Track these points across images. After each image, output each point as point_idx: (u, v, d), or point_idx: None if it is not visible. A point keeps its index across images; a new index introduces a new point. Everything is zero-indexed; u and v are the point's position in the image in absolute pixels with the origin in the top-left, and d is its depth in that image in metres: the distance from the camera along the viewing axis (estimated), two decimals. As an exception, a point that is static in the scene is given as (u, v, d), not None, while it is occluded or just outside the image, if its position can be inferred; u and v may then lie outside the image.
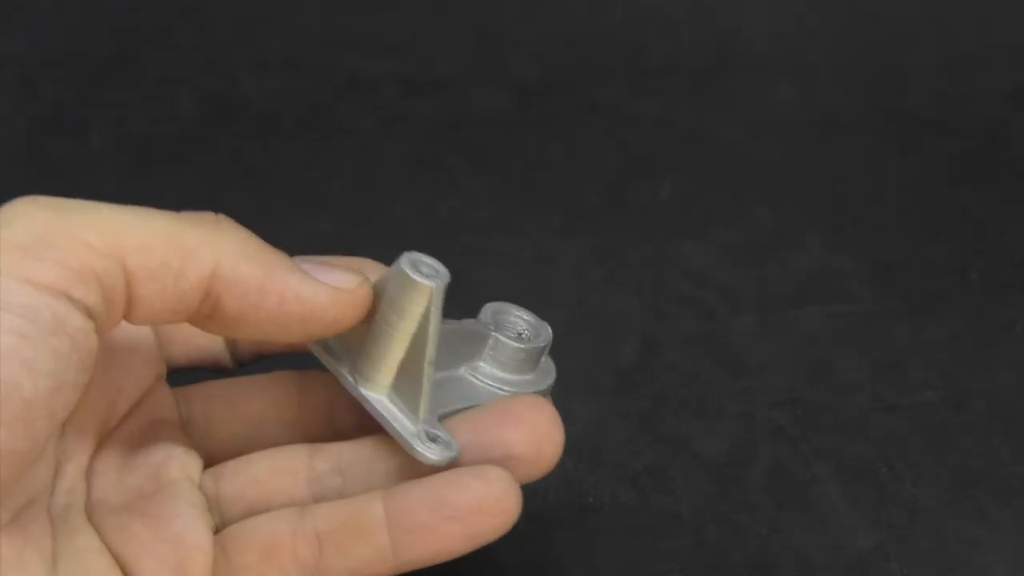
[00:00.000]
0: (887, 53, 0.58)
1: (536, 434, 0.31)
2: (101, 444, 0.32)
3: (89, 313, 0.27)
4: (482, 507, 0.30)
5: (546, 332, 0.34)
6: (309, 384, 0.34)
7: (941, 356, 0.46)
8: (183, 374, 0.34)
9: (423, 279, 0.30)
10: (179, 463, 0.32)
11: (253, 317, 0.29)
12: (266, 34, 0.59)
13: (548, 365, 0.34)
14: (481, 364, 0.33)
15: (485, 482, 0.30)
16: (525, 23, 0.59)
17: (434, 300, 0.30)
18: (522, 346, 0.33)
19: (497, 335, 0.33)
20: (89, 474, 0.31)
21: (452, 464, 0.31)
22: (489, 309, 0.34)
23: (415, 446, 0.30)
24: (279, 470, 0.33)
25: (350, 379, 0.31)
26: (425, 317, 0.30)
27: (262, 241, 0.30)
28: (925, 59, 0.57)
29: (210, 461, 0.33)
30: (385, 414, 0.31)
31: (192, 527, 0.31)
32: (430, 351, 0.30)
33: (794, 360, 0.45)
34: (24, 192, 0.29)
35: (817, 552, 0.38)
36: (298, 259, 0.30)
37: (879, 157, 0.54)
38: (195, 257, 0.28)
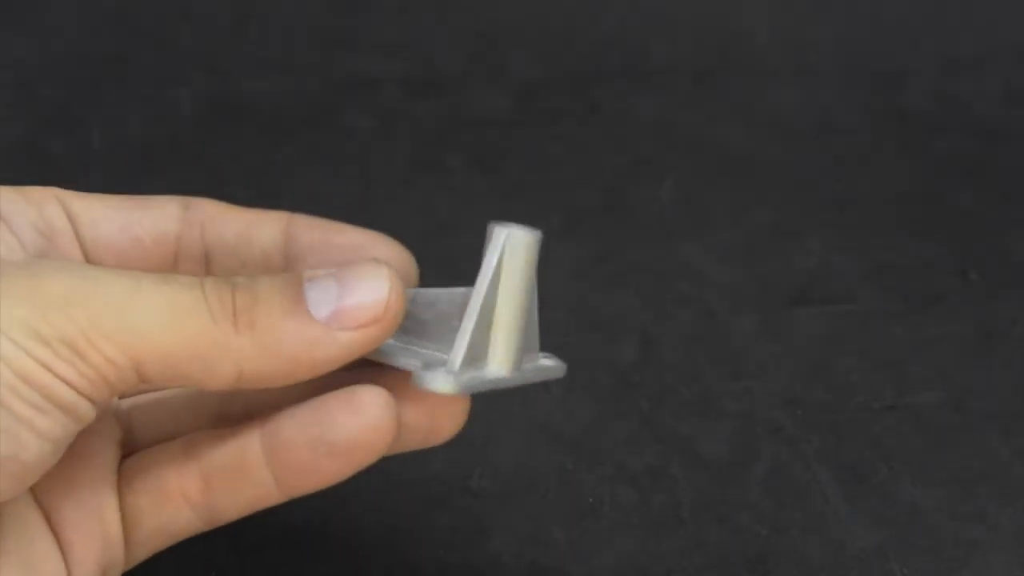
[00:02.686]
0: (887, 53, 0.58)
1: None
2: None
3: (94, 402, 0.28)
4: (358, 441, 0.29)
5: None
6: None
7: (941, 356, 0.46)
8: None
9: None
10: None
11: (284, 387, 0.29)
12: (266, 34, 0.59)
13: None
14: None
15: (357, 414, 0.29)
16: (525, 23, 0.59)
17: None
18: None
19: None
20: None
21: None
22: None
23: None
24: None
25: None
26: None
27: (279, 305, 0.28)
28: (925, 59, 0.57)
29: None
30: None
31: (105, 468, 0.31)
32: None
33: (794, 360, 0.45)
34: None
35: (817, 552, 0.38)
36: (312, 293, 0.29)
37: (879, 157, 0.54)
38: (215, 371, 0.28)
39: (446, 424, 0.32)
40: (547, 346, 0.35)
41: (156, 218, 0.34)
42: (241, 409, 0.33)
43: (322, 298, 0.29)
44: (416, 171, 0.54)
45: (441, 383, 0.29)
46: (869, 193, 0.53)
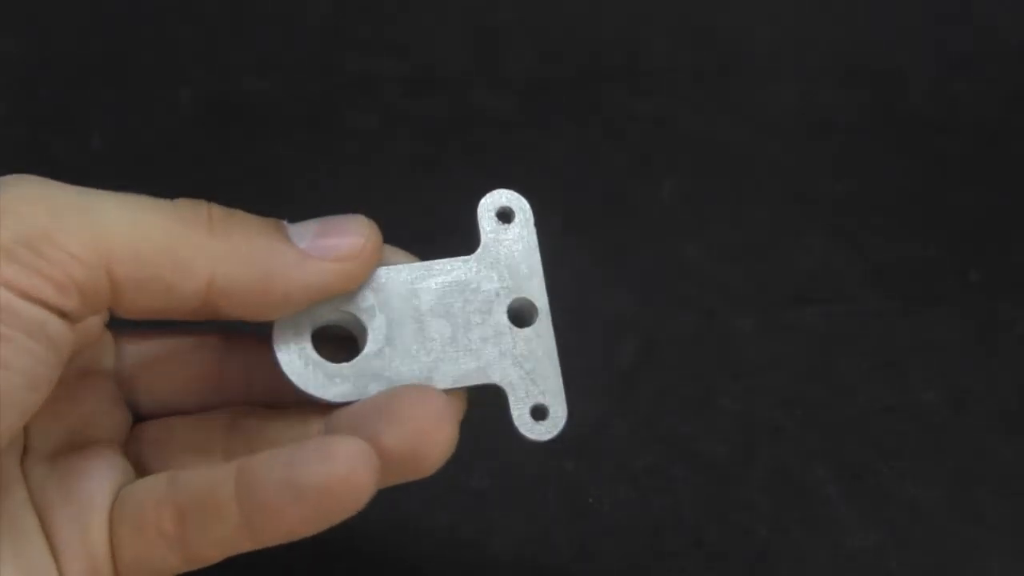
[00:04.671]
0: (887, 53, 0.58)
1: (415, 431, 0.29)
2: None
3: (67, 316, 0.26)
4: (328, 488, 0.28)
5: None
6: (232, 350, 0.33)
7: (941, 356, 0.46)
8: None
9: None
10: (106, 419, 0.32)
11: (256, 312, 0.29)
12: (266, 34, 0.58)
13: None
14: None
15: (330, 461, 0.28)
16: (525, 23, 0.59)
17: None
18: None
19: None
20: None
21: None
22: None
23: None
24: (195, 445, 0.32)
25: None
26: None
27: (256, 225, 0.29)
28: (925, 59, 0.57)
29: (137, 416, 0.33)
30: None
31: (101, 489, 0.30)
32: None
33: (794, 360, 0.45)
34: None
35: (817, 552, 0.38)
36: (292, 228, 0.29)
37: (879, 157, 0.54)
38: (189, 270, 0.27)
39: (433, 455, 0.30)
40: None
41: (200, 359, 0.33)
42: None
43: (301, 232, 0.29)
44: (416, 171, 0.54)
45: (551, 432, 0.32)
46: (869, 193, 0.53)
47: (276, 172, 0.54)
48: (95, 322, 0.32)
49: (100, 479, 0.31)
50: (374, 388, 0.31)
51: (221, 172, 0.53)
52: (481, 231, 0.33)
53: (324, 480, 0.28)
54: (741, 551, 0.38)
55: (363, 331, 0.31)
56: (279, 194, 0.52)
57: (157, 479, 0.31)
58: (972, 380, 0.45)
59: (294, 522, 0.29)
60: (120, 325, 0.33)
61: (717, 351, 0.46)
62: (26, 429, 0.31)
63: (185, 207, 0.28)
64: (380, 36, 0.58)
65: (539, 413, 0.32)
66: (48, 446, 0.31)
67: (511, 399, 0.32)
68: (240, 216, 0.29)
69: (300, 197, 0.51)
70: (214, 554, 0.30)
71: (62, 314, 0.26)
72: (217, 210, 0.28)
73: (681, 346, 0.46)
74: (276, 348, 0.31)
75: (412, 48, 0.58)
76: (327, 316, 0.31)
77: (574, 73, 0.57)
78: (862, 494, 0.40)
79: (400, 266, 0.32)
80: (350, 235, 0.30)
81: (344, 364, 0.31)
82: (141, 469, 0.32)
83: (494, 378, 0.32)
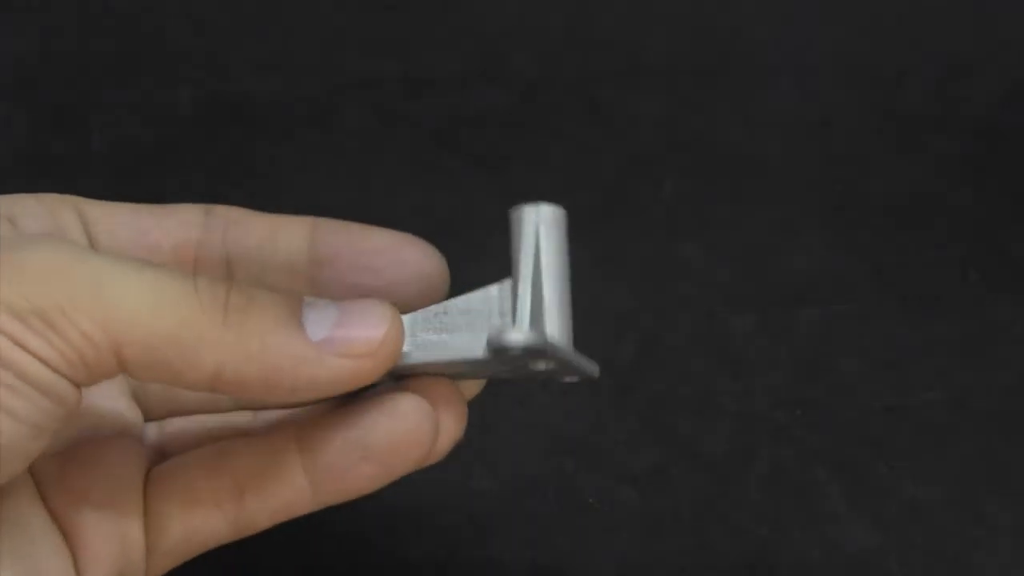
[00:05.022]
0: (887, 53, 0.58)
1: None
2: None
3: (74, 383, 0.27)
4: (395, 446, 0.29)
5: None
6: None
7: (941, 356, 0.46)
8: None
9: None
10: (120, 417, 0.32)
11: (264, 403, 0.30)
12: (266, 34, 0.59)
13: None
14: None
15: (396, 417, 0.29)
16: (525, 23, 0.59)
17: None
18: None
19: None
20: None
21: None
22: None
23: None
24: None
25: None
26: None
27: (273, 315, 0.28)
28: (925, 59, 0.57)
29: (149, 416, 0.33)
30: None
31: (127, 474, 0.30)
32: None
33: (794, 360, 0.45)
34: (24, 192, 0.29)
35: (817, 552, 0.38)
36: (312, 314, 0.28)
37: (879, 157, 0.54)
38: (196, 361, 0.27)
39: (445, 437, 0.30)
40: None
41: (176, 224, 0.33)
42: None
43: (320, 320, 0.28)
44: (416, 171, 0.54)
45: (522, 335, 0.28)
46: (869, 193, 0.53)
47: (276, 172, 0.54)
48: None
49: (124, 464, 0.31)
50: None
51: (221, 172, 0.53)
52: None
53: (392, 436, 0.29)
54: (741, 551, 0.38)
55: None
56: (279, 194, 0.52)
57: (201, 452, 0.31)
58: (972, 380, 0.45)
59: (361, 480, 0.29)
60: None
61: (717, 351, 0.46)
62: None
63: (204, 290, 0.27)
64: (380, 36, 0.58)
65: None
66: (59, 446, 0.31)
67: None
68: (259, 303, 0.28)
69: (300, 197, 0.51)
70: (268, 520, 0.30)
71: (70, 380, 0.27)
72: (236, 296, 0.28)
73: (681, 346, 0.46)
74: None
75: (412, 48, 0.58)
76: None
77: (574, 73, 0.57)
78: (862, 494, 0.40)
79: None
80: (371, 327, 0.28)
81: None
82: (161, 456, 0.32)
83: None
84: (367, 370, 0.28)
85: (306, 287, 0.32)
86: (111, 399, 0.32)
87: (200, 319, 0.27)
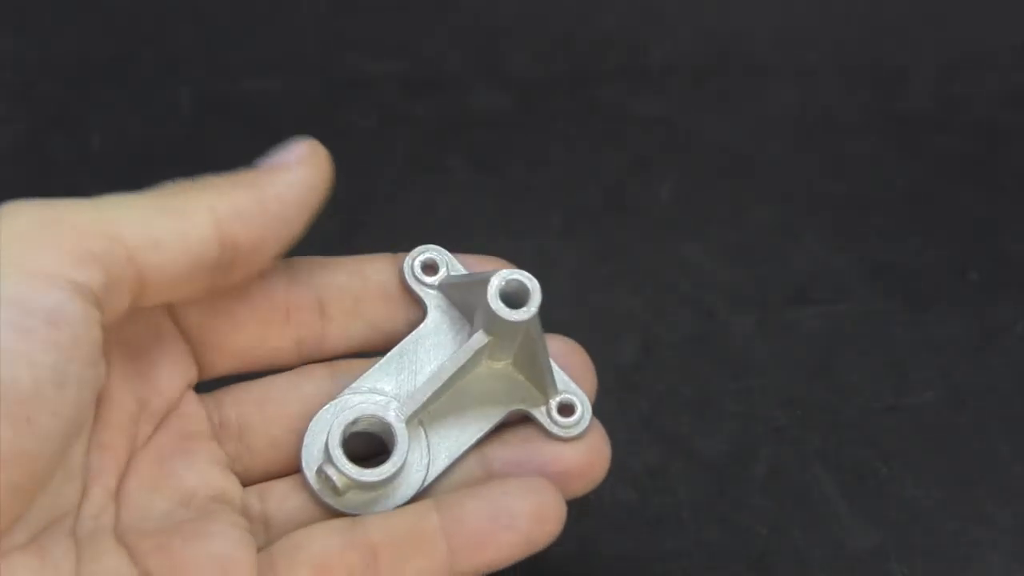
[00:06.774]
0: (887, 53, 0.58)
1: (590, 452, 0.33)
2: (130, 463, 0.30)
3: (94, 300, 0.26)
4: (539, 515, 0.31)
5: None
6: (341, 377, 0.33)
7: (941, 356, 0.46)
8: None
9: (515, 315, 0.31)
10: (216, 484, 0.31)
11: (269, 233, 0.30)
12: (266, 34, 0.58)
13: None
14: None
15: (538, 492, 0.31)
16: (525, 23, 0.59)
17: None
18: None
19: None
20: (119, 496, 0.30)
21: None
22: None
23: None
24: None
25: None
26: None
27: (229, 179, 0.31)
28: (925, 59, 0.57)
29: (248, 473, 0.32)
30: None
31: (235, 544, 0.29)
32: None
33: (794, 360, 0.45)
34: (24, 192, 0.29)
35: (817, 552, 0.38)
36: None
37: (879, 157, 0.54)
38: (194, 212, 0.29)
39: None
40: (547, 346, 0.35)
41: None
42: None
43: (264, 171, 0.33)
44: (416, 171, 0.54)
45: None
46: (869, 193, 0.53)
47: (276, 172, 0.54)
48: (175, 382, 0.32)
49: (231, 536, 0.30)
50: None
51: (221, 172, 0.53)
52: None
53: (537, 507, 0.31)
54: (741, 551, 0.38)
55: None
56: (279, 194, 0.51)
57: (336, 523, 0.31)
58: (972, 380, 0.45)
59: (500, 550, 0.31)
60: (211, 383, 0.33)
61: (717, 351, 0.46)
62: (128, 504, 0.30)
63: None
64: (380, 36, 0.58)
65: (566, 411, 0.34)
66: (156, 521, 0.30)
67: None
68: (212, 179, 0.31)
69: (300, 197, 0.51)
70: None
71: (87, 294, 0.26)
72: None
73: (681, 346, 0.46)
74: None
75: (412, 48, 0.58)
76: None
77: (574, 73, 0.57)
78: (862, 494, 0.40)
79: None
80: (294, 148, 0.33)
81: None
82: (267, 520, 0.32)
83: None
84: (324, 165, 0.34)
85: (401, 313, 0.34)
86: (202, 466, 0.31)
87: (177, 189, 0.32)
